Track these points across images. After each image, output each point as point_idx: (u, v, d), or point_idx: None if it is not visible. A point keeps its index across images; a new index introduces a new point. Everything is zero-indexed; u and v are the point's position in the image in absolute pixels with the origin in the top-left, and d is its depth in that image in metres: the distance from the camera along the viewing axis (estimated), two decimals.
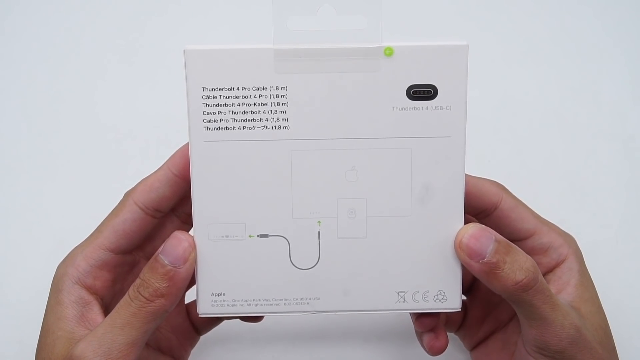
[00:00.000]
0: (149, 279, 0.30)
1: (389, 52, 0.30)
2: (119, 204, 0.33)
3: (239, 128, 0.30)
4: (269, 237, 0.31)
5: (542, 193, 0.44)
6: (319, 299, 0.32)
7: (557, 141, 0.46)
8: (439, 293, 0.32)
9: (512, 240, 0.32)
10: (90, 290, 0.32)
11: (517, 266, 0.30)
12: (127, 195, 0.33)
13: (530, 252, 0.34)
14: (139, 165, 0.44)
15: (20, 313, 0.43)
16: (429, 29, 0.47)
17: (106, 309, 0.33)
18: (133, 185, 0.33)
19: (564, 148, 0.46)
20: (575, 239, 0.36)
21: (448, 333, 0.36)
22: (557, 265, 0.34)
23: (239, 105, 0.30)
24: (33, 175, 0.45)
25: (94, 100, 0.46)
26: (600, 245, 0.44)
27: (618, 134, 0.46)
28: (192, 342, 0.38)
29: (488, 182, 0.34)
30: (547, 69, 0.47)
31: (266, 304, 0.32)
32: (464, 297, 0.38)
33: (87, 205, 0.43)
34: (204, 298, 0.31)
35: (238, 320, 0.35)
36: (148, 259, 0.34)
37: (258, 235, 0.31)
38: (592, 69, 0.47)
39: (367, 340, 0.43)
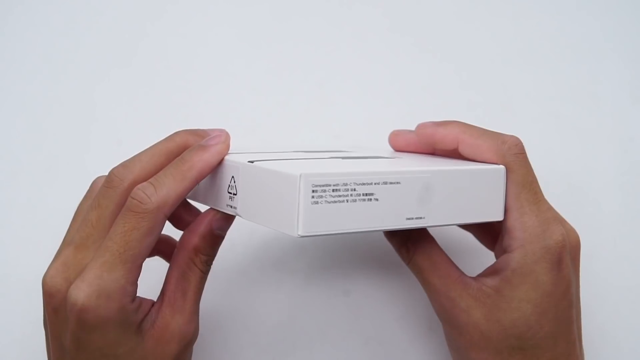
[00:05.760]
0: None
1: None
2: (147, 216, 0.30)
3: None
4: None
5: None
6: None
7: (557, 141, 0.46)
8: None
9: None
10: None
11: None
12: (159, 210, 0.30)
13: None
14: None
15: (20, 314, 0.43)
16: (428, 29, 0.47)
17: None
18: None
19: (563, 148, 0.46)
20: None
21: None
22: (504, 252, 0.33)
23: None
24: (33, 175, 0.45)
25: (94, 100, 0.46)
26: (599, 247, 0.44)
27: (618, 135, 0.46)
28: None
29: (445, 132, 0.34)
30: (547, 70, 0.47)
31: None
32: None
33: None
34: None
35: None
36: None
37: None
38: (592, 69, 0.47)
39: (367, 341, 0.43)
